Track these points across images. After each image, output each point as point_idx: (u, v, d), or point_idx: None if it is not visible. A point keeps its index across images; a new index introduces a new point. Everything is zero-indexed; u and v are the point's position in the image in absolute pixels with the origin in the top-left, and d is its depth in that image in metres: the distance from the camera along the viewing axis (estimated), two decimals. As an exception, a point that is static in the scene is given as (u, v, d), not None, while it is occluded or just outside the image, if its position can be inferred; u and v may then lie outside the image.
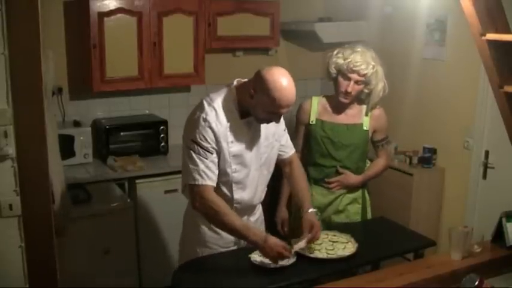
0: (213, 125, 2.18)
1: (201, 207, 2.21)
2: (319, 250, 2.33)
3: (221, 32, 3.99)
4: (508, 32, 2.35)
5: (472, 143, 3.70)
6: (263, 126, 2.32)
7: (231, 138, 2.23)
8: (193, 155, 2.19)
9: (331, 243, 2.39)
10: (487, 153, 3.60)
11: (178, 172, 3.68)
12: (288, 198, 2.86)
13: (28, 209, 2.20)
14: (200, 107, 2.24)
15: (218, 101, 2.23)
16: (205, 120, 2.18)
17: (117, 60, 3.64)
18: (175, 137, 4.12)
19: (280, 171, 2.59)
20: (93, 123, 3.92)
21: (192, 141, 2.20)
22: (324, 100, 2.83)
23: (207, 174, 2.19)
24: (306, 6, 4.56)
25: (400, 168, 3.93)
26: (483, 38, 2.26)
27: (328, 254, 2.30)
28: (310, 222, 2.32)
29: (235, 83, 2.29)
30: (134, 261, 3.50)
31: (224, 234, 2.34)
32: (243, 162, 2.29)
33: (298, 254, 2.27)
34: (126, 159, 3.70)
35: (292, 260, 2.23)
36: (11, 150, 2.13)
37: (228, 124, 2.22)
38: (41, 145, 2.19)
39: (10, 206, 2.18)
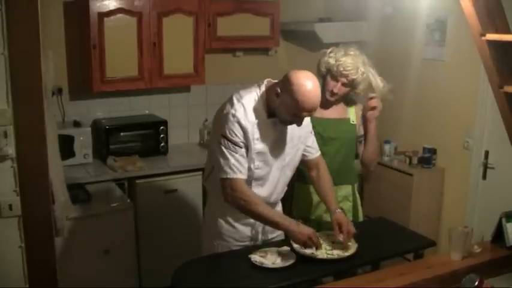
0: (242, 121, 2.24)
1: (233, 200, 2.27)
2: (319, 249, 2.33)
3: (221, 32, 3.99)
4: (508, 32, 2.35)
5: (472, 143, 3.70)
6: (290, 128, 2.37)
7: (256, 135, 2.28)
8: (224, 149, 2.24)
9: (331, 243, 2.39)
10: (487, 153, 3.61)
11: (178, 172, 3.74)
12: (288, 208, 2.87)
13: (28, 209, 2.20)
14: (230, 103, 2.29)
15: (247, 98, 2.28)
16: (234, 116, 2.23)
17: (117, 60, 3.63)
18: (175, 137, 4.15)
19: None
20: (93, 123, 3.92)
21: (222, 136, 2.25)
22: None
23: (238, 168, 2.24)
24: (306, 6, 4.56)
25: (400, 169, 3.93)
26: (483, 38, 2.26)
27: (328, 254, 2.30)
28: (337, 221, 2.38)
29: (265, 82, 2.34)
30: (134, 261, 3.50)
31: (240, 228, 2.42)
32: (266, 160, 2.34)
33: (298, 254, 2.27)
34: (126, 159, 3.70)
35: (292, 260, 2.23)
36: (11, 150, 2.13)
37: (255, 122, 2.27)
38: (41, 145, 2.20)
39: (10, 206, 2.18)
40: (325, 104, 2.79)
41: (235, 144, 2.24)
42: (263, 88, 2.32)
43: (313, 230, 2.28)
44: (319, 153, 2.59)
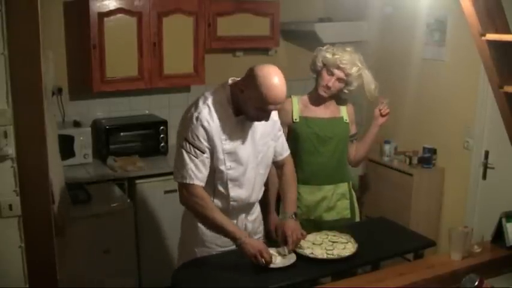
0: (205, 124, 2.21)
1: (188, 203, 2.28)
2: (319, 249, 2.33)
3: (221, 32, 3.99)
4: (507, 32, 2.35)
5: (472, 143, 3.70)
6: (259, 125, 2.34)
7: (224, 135, 2.25)
8: (184, 153, 2.22)
9: (331, 243, 2.39)
10: (487, 153, 3.61)
11: (178, 172, 3.74)
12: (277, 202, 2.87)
13: (28, 209, 2.20)
14: (194, 106, 2.27)
15: (212, 98, 2.26)
16: (197, 119, 2.21)
17: (117, 60, 3.63)
18: (175, 137, 4.14)
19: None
20: (93, 123, 3.92)
21: (184, 140, 2.23)
22: (304, 98, 2.87)
23: (195, 174, 2.22)
24: (306, 6, 4.56)
25: (400, 169, 3.93)
26: (483, 38, 2.26)
27: (328, 254, 2.30)
28: (291, 227, 2.33)
29: (230, 81, 2.32)
30: (134, 261, 3.50)
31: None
32: (238, 159, 2.31)
33: (298, 254, 2.27)
34: (126, 159, 3.70)
35: (292, 260, 2.23)
36: (11, 150, 2.13)
37: (221, 121, 2.24)
38: (41, 145, 2.19)
39: (10, 206, 2.18)
40: (318, 102, 2.81)
41: (198, 148, 2.21)
42: (227, 86, 2.29)
43: (265, 246, 2.22)
44: (288, 153, 2.56)
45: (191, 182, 2.22)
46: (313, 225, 2.70)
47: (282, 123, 2.58)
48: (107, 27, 3.55)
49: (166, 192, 3.65)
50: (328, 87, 2.71)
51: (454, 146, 3.83)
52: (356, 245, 2.35)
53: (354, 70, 2.67)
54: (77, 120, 3.78)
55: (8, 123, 2.11)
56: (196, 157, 2.21)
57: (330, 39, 3.98)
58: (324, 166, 2.80)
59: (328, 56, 2.69)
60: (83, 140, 3.66)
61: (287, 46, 4.55)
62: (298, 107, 2.82)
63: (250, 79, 2.16)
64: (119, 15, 3.58)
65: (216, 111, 2.24)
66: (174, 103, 4.22)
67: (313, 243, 2.37)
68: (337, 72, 2.68)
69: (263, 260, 2.15)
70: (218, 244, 2.38)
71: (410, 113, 4.14)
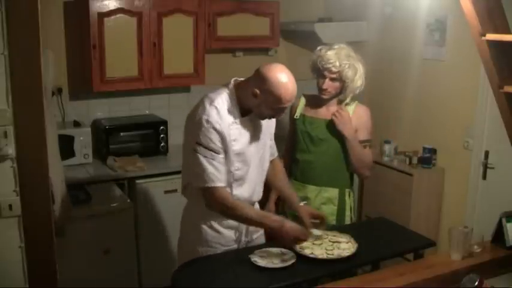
0: (216, 126, 2.19)
1: (216, 207, 2.26)
2: (319, 249, 2.33)
3: (221, 32, 3.99)
4: (508, 32, 2.35)
5: (472, 143, 3.70)
6: (263, 124, 2.37)
7: (233, 136, 2.24)
8: (200, 157, 2.20)
9: (331, 243, 2.39)
10: (486, 153, 3.60)
11: (178, 172, 3.67)
12: (278, 199, 2.88)
13: (28, 209, 2.20)
14: (201, 108, 2.24)
15: (219, 100, 2.24)
16: (207, 121, 2.19)
17: (117, 60, 3.63)
18: (175, 137, 4.13)
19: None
20: (93, 123, 3.92)
21: (197, 144, 2.20)
22: (311, 97, 2.88)
23: (217, 176, 2.21)
24: (306, 6, 4.56)
25: (400, 169, 3.93)
26: (483, 38, 2.26)
27: (328, 254, 2.30)
28: (307, 212, 2.40)
29: (232, 81, 2.32)
30: (134, 261, 3.50)
31: (225, 232, 2.37)
32: (245, 159, 2.32)
33: (298, 254, 2.27)
34: (126, 159, 3.70)
35: (292, 260, 2.23)
36: (11, 150, 2.13)
37: (230, 123, 2.24)
38: (41, 145, 2.19)
39: (10, 206, 2.18)
40: (320, 103, 2.80)
41: (213, 150, 2.19)
42: (231, 87, 2.29)
43: (301, 228, 2.28)
44: (276, 154, 2.61)
45: (215, 185, 2.21)
46: (292, 219, 2.67)
47: (289, 119, 2.74)
48: (106, 27, 3.55)
49: (166, 192, 3.65)
50: (324, 90, 2.70)
51: (454, 146, 3.83)
52: (356, 245, 2.35)
53: (342, 67, 2.63)
54: (77, 120, 3.78)
55: (8, 123, 2.11)
56: (213, 159, 2.20)
57: (329, 39, 3.98)
58: (313, 166, 2.80)
59: (314, 58, 2.70)
60: (83, 140, 3.66)
61: (287, 46, 4.55)
62: (303, 104, 2.86)
63: (262, 83, 2.16)
64: (119, 15, 3.59)
65: (224, 112, 2.23)
66: (174, 103, 4.23)
67: (313, 243, 2.37)
68: (326, 73, 2.67)
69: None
70: (221, 243, 2.38)
71: (410, 113, 4.14)
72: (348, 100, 2.78)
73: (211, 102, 2.24)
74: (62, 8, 3.73)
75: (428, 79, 3.98)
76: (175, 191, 3.67)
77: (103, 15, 3.53)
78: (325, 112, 2.80)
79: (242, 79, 2.31)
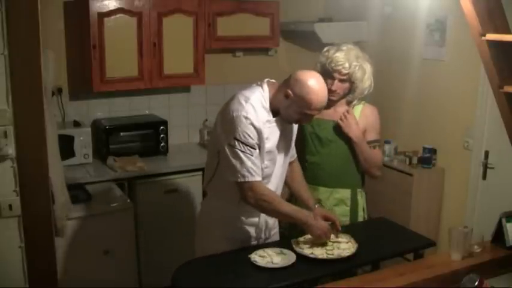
0: (255, 122, 2.24)
1: (255, 202, 2.29)
2: (319, 249, 2.33)
3: (221, 32, 3.99)
4: (508, 32, 2.35)
5: (472, 143, 3.70)
6: (292, 126, 2.45)
7: (266, 134, 2.29)
8: (239, 152, 2.23)
9: (331, 243, 2.39)
10: (486, 153, 3.60)
11: (178, 172, 3.74)
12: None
13: (28, 209, 2.20)
14: (237, 105, 2.27)
15: (253, 98, 2.28)
16: (246, 118, 2.23)
17: (117, 60, 3.63)
18: (175, 137, 4.15)
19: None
20: (93, 123, 3.92)
21: (235, 139, 2.23)
22: None
23: (255, 170, 2.25)
24: (306, 6, 4.56)
25: (400, 169, 3.93)
26: (483, 38, 2.26)
27: (328, 254, 2.30)
28: (320, 214, 2.42)
29: (266, 81, 2.36)
30: (134, 261, 3.49)
31: (246, 228, 2.45)
32: (273, 158, 2.38)
33: (298, 254, 2.27)
34: (126, 159, 3.70)
35: (292, 260, 2.23)
36: (11, 150, 2.13)
37: (264, 121, 2.29)
38: (41, 145, 2.20)
39: (10, 206, 2.18)
40: (328, 104, 2.77)
41: (251, 146, 2.24)
42: (265, 87, 2.33)
43: (328, 226, 2.34)
44: (296, 156, 2.64)
45: (253, 180, 2.25)
46: None
47: None
48: (106, 27, 3.55)
49: (166, 192, 3.65)
50: (332, 91, 2.65)
51: (454, 146, 3.83)
52: (356, 245, 2.35)
53: (351, 68, 2.62)
54: (77, 120, 3.78)
55: (8, 123, 2.12)
56: (251, 154, 2.24)
57: (329, 39, 3.99)
58: (322, 168, 2.78)
59: (323, 60, 2.67)
60: (83, 140, 3.65)
61: (287, 46, 4.55)
62: None
63: (296, 85, 2.23)
64: (119, 15, 3.58)
65: (259, 110, 2.28)
66: (174, 103, 4.23)
67: (313, 243, 2.37)
68: (336, 74, 2.64)
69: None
70: (242, 240, 2.45)
71: (410, 113, 4.14)
72: (355, 102, 2.78)
73: (247, 99, 2.27)
74: (62, 8, 3.73)
75: (428, 79, 3.98)
76: (175, 191, 3.68)
77: (103, 15, 3.53)
78: (332, 113, 2.77)
79: (273, 80, 2.37)
